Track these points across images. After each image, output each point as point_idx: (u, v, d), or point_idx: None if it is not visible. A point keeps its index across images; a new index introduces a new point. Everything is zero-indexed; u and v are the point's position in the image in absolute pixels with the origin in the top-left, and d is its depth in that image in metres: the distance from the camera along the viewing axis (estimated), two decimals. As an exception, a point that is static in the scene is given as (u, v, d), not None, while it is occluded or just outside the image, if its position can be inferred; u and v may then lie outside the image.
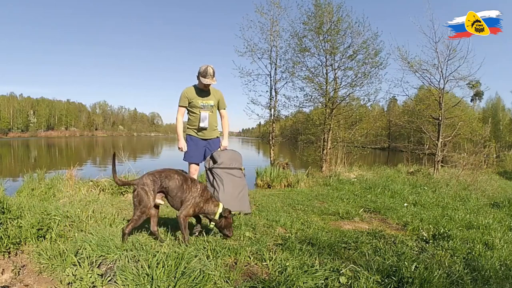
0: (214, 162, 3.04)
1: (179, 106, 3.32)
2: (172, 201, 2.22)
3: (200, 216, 2.41)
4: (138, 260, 1.74)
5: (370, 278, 1.69)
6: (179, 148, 3.35)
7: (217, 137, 3.45)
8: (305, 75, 10.08)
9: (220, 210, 2.26)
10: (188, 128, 3.43)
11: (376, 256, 2.05)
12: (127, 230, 2.05)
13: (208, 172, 3.03)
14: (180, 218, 2.15)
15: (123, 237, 2.04)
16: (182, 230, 2.15)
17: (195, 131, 3.36)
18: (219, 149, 3.24)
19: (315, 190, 5.38)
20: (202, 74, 3.13)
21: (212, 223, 2.30)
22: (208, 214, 2.28)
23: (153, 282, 1.54)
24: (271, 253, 2.00)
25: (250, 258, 1.93)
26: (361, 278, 1.69)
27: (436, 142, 8.66)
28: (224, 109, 3.46)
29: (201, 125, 3.27)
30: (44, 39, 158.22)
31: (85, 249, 1.87)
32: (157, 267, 1.61)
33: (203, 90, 3.29)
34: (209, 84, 3.23)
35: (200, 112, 3.28)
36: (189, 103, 3.32)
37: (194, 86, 3.32)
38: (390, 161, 15.48)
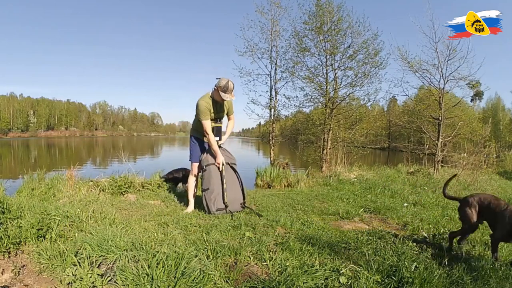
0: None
1: (204, 120, 3.14)
2: (490, 222, 2.37)
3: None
4: (138, 260, 1.74)
5: (370, 278, 1.69)
6: (217, 164, 3.27)
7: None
8: (305, 75, 10.11)
9: None
10: (195, 130, 3.46)
11: (376, 256, 2.05)
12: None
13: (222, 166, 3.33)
14: (494, 241, 2.26)
15: (452, 242, 2.38)
16: (493, 249, 2.26)
17: (204, 137, 3.40)
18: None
19: (315, 190, 5.38)
20: (222, 89, 3.04)
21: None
22: None
23: (153, 282, 1.54)
24: (271, 253, 2.00)
25: (250, 258, 1.93)
26: (361, 278, 1.69)
27: (436, 142, 8.66)
28: (232, 114, 3.51)
29: (216, 138, 3.32)
30: (44, 39, 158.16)
31: (85, 249, 1.86)
32: (157, 267, 1.61)
33: (218, 102, 3.24)
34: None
35: (214, 125, 3.29)
36: None
37: (210, 97, 3.21)
38: (390, 161, 15.47)
